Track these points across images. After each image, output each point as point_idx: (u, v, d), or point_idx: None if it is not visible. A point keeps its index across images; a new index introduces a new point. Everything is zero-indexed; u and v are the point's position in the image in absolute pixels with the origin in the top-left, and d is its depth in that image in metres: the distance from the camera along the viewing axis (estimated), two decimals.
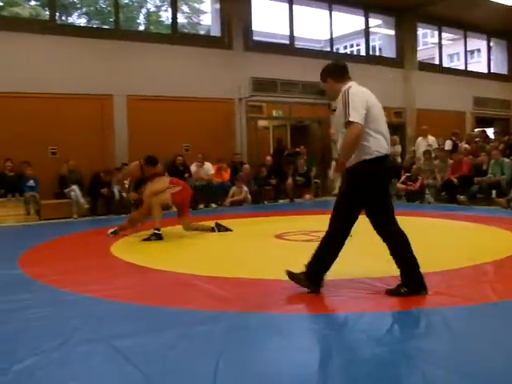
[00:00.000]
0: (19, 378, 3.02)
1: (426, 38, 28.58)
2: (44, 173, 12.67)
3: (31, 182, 12.21)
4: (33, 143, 12.67)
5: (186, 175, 13.96)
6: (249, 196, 14.23)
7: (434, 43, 23.93)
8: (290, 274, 4.82)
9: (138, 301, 4.67)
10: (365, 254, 6.48)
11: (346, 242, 4.67)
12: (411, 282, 4.53)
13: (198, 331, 3.73)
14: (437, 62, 21.62)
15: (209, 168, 14.34)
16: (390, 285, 4.82)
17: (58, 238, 9.08)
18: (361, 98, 4.52)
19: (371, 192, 4.62)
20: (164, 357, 3.27)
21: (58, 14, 14.74)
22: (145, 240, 8.10)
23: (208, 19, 19.02)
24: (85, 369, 3.14)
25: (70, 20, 22.20)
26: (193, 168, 14.22)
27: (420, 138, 16.35)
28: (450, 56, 28.21)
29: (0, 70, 12.35)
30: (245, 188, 14.01)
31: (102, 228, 10.06)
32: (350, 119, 4.37)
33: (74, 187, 12.43)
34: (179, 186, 8.61)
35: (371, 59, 18.97)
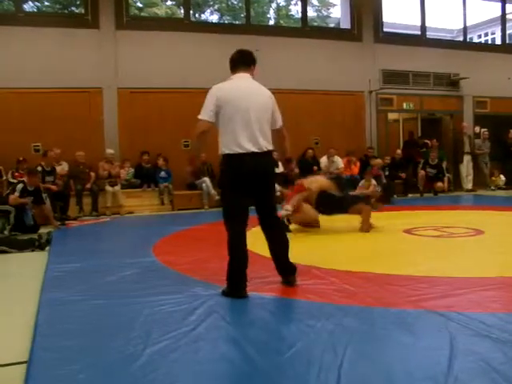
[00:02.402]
0: (153, 359, 3.16)
1: None
2: (177, 165, 13.15)
3: (163, 174, 12.75)
4: (167, 136, 13.24)
5: (315, 168, 14.00)
6: (378, 190, 14.01)
7: None
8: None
9: (269, 291, 4.74)
10: (496, 253, 6.25)
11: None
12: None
13: (324, 324, 3.74)
14: None
15: (338, 161, 14.27)
16: None
17: (189, 227, 9.39)
18: (212, 96, 4.62)
19: (222, 187, 4.91)
20: (289, 347, 3.30)
21: (191, 11, 15.21)
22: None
23: (337, 12, 18.94)
24: (213, 355, 3.24)
25: (203, 17, 22.85)
26: (323, 161, 14.22)
27: None
28: None
29: (140, 67, 13.02)
30: (373, 181, 13.83)
31: None
32: (198, 116, 4.62)
33: (206, 179, 12.82)
34: None
35: (508, 48, 18.05)
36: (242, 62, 4.84)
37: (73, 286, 5.14)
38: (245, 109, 4.59)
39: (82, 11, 13.48)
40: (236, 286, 4.61)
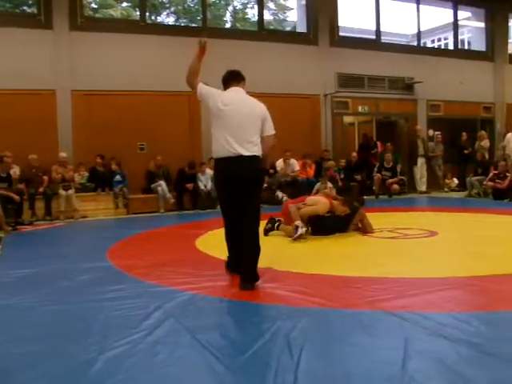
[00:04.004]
0: (109, 366, 3.12)
1: None
2: (133, 168, 13.04)
3: (118, 177, 12.60)
4: (123, 139, 13.10)
5: (271, 171, 14.01)
6: (333, 192, 14.11)
7: None
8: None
9: (221, 295, 4.75)
10: (449, 254, 6.37)
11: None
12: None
13: (280, 326, 3.74)
14: None
15: (294, 164, 14.32)
16: (475, 284, 4.74)
17: (144, 231, 9.32)
18: (217, 92, 5.26)
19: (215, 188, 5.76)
20: (246, 350, 3.30)
21: (147, 14, 15.10)
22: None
23: (294, 15, 19.06)
24: (170, 359, 3.21)
25: (159, 19, 22.68)
26: (279, 164, 14.25)
27: (510, 134, 15.81)
28: None
29: (94, 69, 12.86)
30: (329, 184, 13.92)
31: (187, 223, 10.26)
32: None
33: (161, 182, 12.72)
34: None
35: (460, 53, 18.44)
36: (233, 78, 5.41)
37: (25, 292, 5.03)
38: (235, 116, 5.04)
39: (35, 11, 13.23)
40: (232, 265, 5.37)
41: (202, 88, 5.23)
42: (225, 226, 5.33)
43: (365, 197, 14.36)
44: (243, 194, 5.02)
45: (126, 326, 3.86)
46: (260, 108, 5.29)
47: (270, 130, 5.33)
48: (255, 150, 5.05)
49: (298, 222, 7.60)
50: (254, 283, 4.92)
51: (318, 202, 8.06)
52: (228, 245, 5.34)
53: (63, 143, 12.66)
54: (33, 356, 3.33)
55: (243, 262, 5.01)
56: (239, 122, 5.02)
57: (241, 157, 4.94)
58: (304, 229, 7.60)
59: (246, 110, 5.12)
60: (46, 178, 11.81)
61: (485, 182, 13.85)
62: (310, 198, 8.23)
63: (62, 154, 12.21)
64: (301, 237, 7.51)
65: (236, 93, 5.26)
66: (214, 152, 5.14)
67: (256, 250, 5.01)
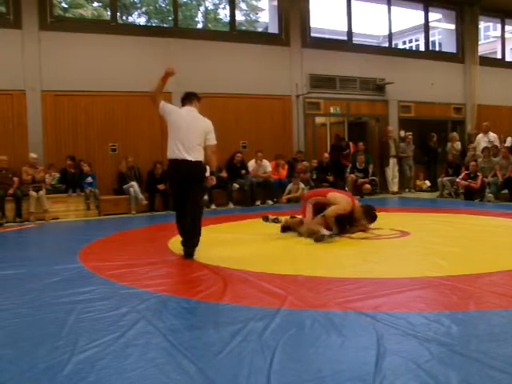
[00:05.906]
0: (80, 368, 3.09)
1: (488, 32, 27.87)
2: (104, 169, 12.96)
3: (89, 179, 12.47)
4: (94, 140, 13.04)
5: (243, 172, 14.00)
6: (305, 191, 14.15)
7: (496, 36, 23.31)
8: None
9: (194, 296, 4.73)
10: (421, 254, 6.41)
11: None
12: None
13: (252, 327, 3.74)
14: (499, 56, 21.02)
15: (266, 165, 14.33)
16: (446, 284, 4.78)
17: (116, 233, 9.26)
18: (173, 108, 6.71)
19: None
20: (219, 351, 3.29)
21: (118, 14, 14.99)
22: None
23: (265, 16, 19.09)
24: (142, 361, 3.19)
25: (131, 19, 22.59)
26: (251, 165, 14.24)
27: (480, 135, 16.01)
28: None
29: (65, 70, 12.73)
30: (301, 185, 13.95)
31: (159, 224, 10.20)
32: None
33: (133, 183, 12.63)
34: None
35: (431, 54, 18.63)
36: (187, 99, 6.77)
37: None
38: (184, 128, 6.42)
39: (4, 10, 13.05)
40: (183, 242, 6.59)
41: (164, 105, 6.62)
42: (176, 213, 6.68)
43: None
44: (187, 189, 6.41)
45: (96, 328, 3.83)
46: (205, 123, 6.63)
47: (213, 141, 6.64)
48: (198, 155, 6.43)
49: (324, 230, 7.55)
50: (192, 254, 6.40)
51: (342, 199, 7.88)
52: (179, 228, 6.63)
53: (33, 144, 12.50)
54: (2, 360, 3.28)
55: (186, 239, 6.48)
56: (188, 134, 6.40)
57: (185, 160, 6.33)
58: (334, 232, 7.56)
59: (193, 125, 6.48)
60: (16, 179, 11.66)
61: (457, 180, 14.00)
62: (332, 195, 8.01)
63: (32, 155, 12.07)
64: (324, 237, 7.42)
65: (188, 111, 6.65)
66: (168, 155, 6.50)
67: (197, 232, 6.47)
